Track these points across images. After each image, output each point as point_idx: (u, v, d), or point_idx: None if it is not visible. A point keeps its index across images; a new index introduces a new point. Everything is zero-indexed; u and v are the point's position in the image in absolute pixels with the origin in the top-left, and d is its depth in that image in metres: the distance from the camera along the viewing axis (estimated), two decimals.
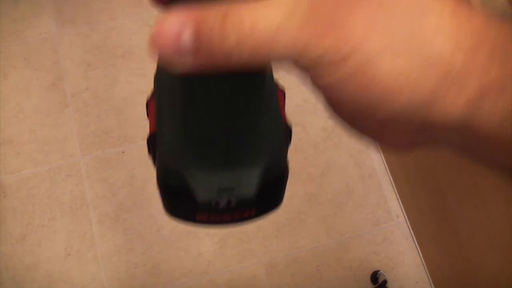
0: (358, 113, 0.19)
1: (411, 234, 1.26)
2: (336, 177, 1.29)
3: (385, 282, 1.20)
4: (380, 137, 0.21)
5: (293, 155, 1.29)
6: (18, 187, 1.24)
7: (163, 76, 0.25)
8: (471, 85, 0.17)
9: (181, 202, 0.24)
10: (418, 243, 1.25)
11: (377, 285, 1.20)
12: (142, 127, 1.31)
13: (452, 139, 0.19)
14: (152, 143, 0.25)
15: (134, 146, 1.29)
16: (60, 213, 1.22)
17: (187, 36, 0.17)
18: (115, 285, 1.18)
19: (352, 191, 1.28)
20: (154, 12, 1.42)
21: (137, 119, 1.31)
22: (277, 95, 0.26)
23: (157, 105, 0.25)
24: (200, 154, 0.24)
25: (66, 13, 1.41)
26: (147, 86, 1.38)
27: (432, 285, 1.21)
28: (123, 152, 1.28)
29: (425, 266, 1.23)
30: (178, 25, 0.17)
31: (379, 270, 1.21)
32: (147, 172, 1.27)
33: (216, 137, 0.24)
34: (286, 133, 0.26)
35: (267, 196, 0.25)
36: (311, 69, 0.17)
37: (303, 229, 1.24)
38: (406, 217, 1.27)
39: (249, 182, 0.24)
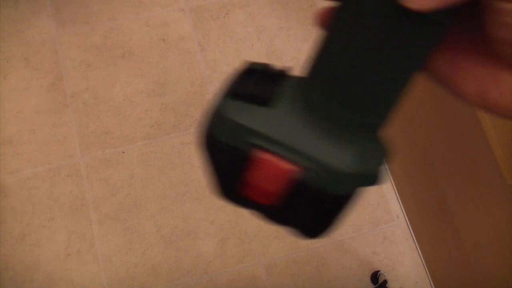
0: None
1: (411, 234, 1.26)
2: None
3: (385, 282, 1.20)
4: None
5: None
6: (18, 187, 1.24)
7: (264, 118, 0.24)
8: None
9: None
10: (418, 243, 1.25)
11: (377, 285, 1.20)
12: (142, 127, 1.31)
13: None
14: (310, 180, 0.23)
15: (134, 146, 1.29)
16: (60, 213, 1.22)
17: None
18: (115, 285, 1.18)
19: None
20: (154, 12, 1.42)
21: (137, 119, 1.31)
22: None
23: (272, 148, 0.23)
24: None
25: (66, 13, 1.41)
26: (147, 86, 1.39)
27: (432, 285, 1.21)
28: (123, 152, 1.28)
29: (425, 266, 1.23)
30: None
31: (379, 270, 1.21)
32: (147, 172, 1.27)
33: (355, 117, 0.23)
34: None
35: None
36: None
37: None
38: (406, 217, 1.27)
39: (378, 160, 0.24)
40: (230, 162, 0.24)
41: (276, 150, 0.23)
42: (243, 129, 0.23)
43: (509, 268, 0.83)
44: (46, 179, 1.25)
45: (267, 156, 0.23)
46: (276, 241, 1.23)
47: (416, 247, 1.25)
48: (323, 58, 0.23)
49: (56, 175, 1.25)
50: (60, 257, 1.19)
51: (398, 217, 1.28)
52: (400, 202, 1.28)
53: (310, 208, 0.24)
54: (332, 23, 0.22)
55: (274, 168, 0.23)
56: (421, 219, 1.22)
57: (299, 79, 0.24)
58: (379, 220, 1.27)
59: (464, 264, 1.01)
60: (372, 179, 0.24)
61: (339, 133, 0.23)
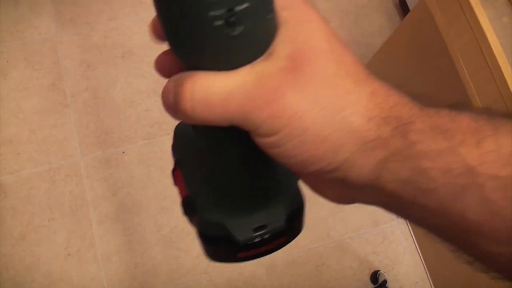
0: (291, 167, 0.23)
1: (411, 234, 1.26)
2: None
3: (385, 282, 1.20)
4: (317, 188, 0.26)
5: None
6: (18, 187, 1.24)
7: (183, 147, 0.31)
8: (380, 151, 0.21)
9: (224, 247, 0.29)
10: (418, 243, 1.25)
11: (377, 285, 1.20)
12: (142, 127, 1.31)
13: (369, 195, 0.23)
14: (188, 205, 0.29)
15: (134, 146, 1.29)
16: (60, 213, 1.22)
17: (170, 98, 0.22)
18: (115, 285, 1.18)
19: None
20: (154, 12, 1.42)
21: (137, 119, 1.31)
22: None
23: (183, 171, 0.30)
24: (233, 204, 0.28)
25: (66, 13, 1.41)
26: (147, 86, 1.39)
27: (432, 285, 1.21)
28: (123, 152, 1.28)
29: (425, 266, 1.23)
30: (169, 88, 0.22)
31: (379, 270, 1.21)
32: (147, 172, 1.27)
33: (244, 188, 0.28)
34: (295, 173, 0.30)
35: (293, 224, 0.30)
36: (252, 133, 0.21)
37: (303, 229, 1.24)
38: None
39: (280, 215, 0.28)
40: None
41: (181, 168, 0.30)
42: (177, 146, 0.31)
43: None
44: (46, 179, 1.25)
45: (176, 172, 0.30)
46: None
47: (416, 247, 1.25)
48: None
49: (56, 175, 1.25)
50: (60, 257, 1.19)
51: (398, 216, 1.28)
52: None
53: (197, 229, 0.30)
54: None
55: (176, 180, 0.31)
56: None
57: None
58: (379, 220, 1.27)
59: (464, 264, 1.01)
60: (233, 239, 0.28)
61: (226, 194, 0.29)
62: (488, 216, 0.20)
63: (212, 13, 0.19)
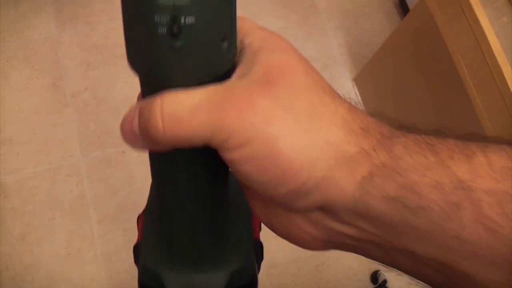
0: (265, 188, 0.21)
1: None
2: None
3: (385, 282, 1.20)
4: (287, 227, 0.24)
5: None
6: (18, 187, 1.24)
7: (151, 195, 0.30)
8: (363, 166, 0.20)
9: None
10: None
11: (377, 285, 1.20)
12: None
13: (352, 225, 0.21)
14: (135, 251, 0.29)
15: None
16: (60, 213, 1.22)
17: (135, 124, 0.21)
18: (115, 285, 1.18)
19: None
20: None
21: None
22: (252, 214, 0.28)
23: (144, 218, 0.30)
24: (174, 258, 0.27)
25: (66, 13, 1.41)
26: None
27: None
28: (123, 152, 1.28)
29: None
30: (131, 116, 0.21)
31: (379, 270, 1.21)
32: (147, 172, 1.27)
33: (190, 243, 0.26)
34: (256, 247, 0.29)
35: None
36: (222, 147, 0.20)
37: None
38: None
39: (216, 284, 0.26)
40: None
41: (144, 215, 0.30)
42: (150, 194, 0.31)
43: None
44: (46, 179, 1.25)
45: (139, 219, 0.31)
46: (276, 241, 1.22)
47: None
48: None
49: (56, 175, 1.25)
50: (60, 256, 1.19)
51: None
52: None
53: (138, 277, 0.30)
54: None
55: (138, 227, 0.31)
56: None
57: None
58: None
59: None
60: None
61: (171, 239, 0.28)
62: (486, 236, 0.18)
63: (156, 18, 0.18)
